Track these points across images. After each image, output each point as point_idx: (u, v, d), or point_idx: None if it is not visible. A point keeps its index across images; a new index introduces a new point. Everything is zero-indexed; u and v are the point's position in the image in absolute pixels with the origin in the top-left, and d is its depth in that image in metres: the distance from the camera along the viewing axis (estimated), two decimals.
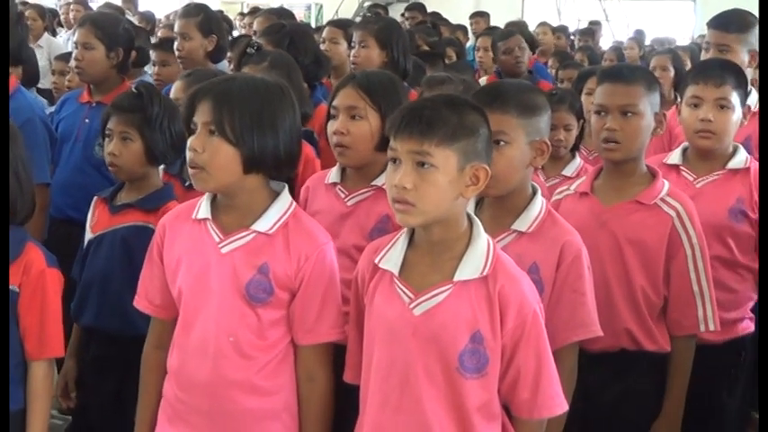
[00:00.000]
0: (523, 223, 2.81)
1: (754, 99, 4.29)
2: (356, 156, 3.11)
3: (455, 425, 2.46)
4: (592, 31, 10.74)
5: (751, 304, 3.63)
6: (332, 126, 3.14)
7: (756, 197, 3.54)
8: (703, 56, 4.33)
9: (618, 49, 9.77)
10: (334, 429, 2.78)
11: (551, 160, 4.28)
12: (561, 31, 10.74)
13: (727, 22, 4.44)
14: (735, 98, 3.58)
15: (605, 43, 12.20)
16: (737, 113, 3.59)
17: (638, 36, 11.40)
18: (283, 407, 2.71)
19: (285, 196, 2.73)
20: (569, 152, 4.29)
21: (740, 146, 3.67)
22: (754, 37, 4.32)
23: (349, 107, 3.11)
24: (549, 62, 8.25)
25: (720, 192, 3.55)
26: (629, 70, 3.29)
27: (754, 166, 3.61)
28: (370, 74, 3.27)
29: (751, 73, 4.34)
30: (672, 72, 5.98)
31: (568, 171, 4.18)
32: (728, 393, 3.51)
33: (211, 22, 5.07)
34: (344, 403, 2.71)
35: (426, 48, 7.09)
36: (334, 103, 3.16)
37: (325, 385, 2.73)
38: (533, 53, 6.89)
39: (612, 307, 3.06)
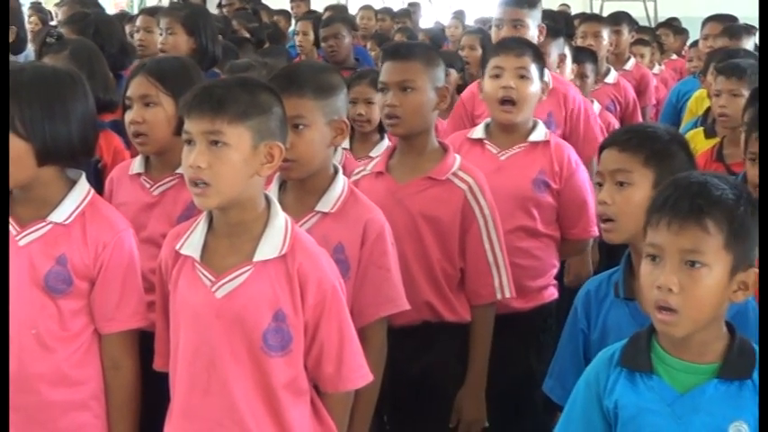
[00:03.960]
0: (326, 204, 2.86)
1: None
2: (155, 142, 3.11)
3: (263, 403, 2.50)
4: (408, 12, 10.87)
5: (554, 271, 3.76)
6: (128, 116, 3.14)
7: (557, 168, 3.66)
8: (494, 32, 4.47)
9: (433, 30, 9.91)
10: (145, 417, 2.78)
11: (360, 141, 4.37)
12: (385, 12, 10.85)
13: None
14: (534, 70, 3.69)
15: (428, 25, 12.33)
16: (536, 85, 3.70)
17: (460, 16, 11.58)
18: (91, 396, 2.70)
19: (82, 185, 2.72)
20: (378, 133, 4.33)
21: (540, 121, 3.79)
22: (539, 12, 4.53)
23: (142, 96, 3.12)
24: (369, 45, 8.33)
25: (523, 164, 3.65)
26: (406, 48, 3.39)
27: (554, 139, 3.75)
28: (160, 60, 3.28)
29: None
30: (480, 51, 6.14)
31: (376, 152, 4.14)
32: (537, 359, 3.60)
33: (10, 13, 4.95)
34: (156, 390, 2.70)
35: (246, 33, 7.07)
36: (128, 93, 3.16)
37: (131, 372, 2.73)
38: (356, 37, 6.94)
39: (412, 282, 3.11)
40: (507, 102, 3.64)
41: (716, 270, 2.10)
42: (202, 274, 2.50)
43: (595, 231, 3.77)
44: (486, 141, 3.72)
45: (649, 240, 2.15)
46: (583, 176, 3.75)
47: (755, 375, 2.13)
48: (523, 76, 3.66)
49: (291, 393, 2.52)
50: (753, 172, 3.22)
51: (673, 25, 10.03)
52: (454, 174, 3.23)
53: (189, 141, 2.44)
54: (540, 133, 3.72)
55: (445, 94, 3.28)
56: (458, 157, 3.28)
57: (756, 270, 2.15)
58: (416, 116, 3.22)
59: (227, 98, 2.42)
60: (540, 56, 3.80)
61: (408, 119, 3.21)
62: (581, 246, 3.92)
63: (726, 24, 6.50)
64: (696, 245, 2.09)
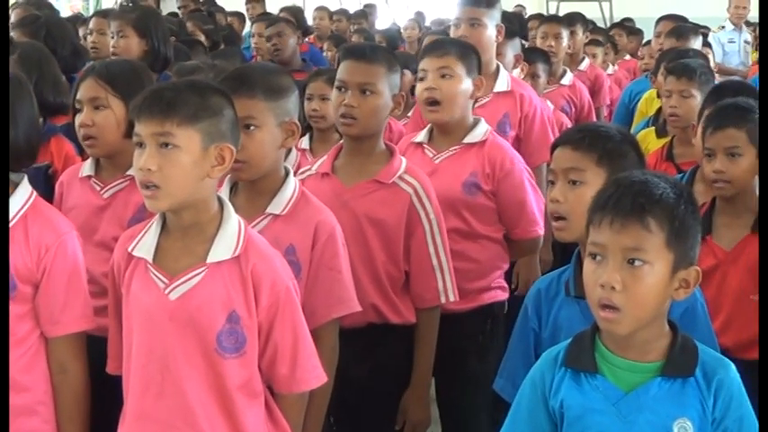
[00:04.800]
0: (278, 206, 2.86)
1: (504, 80, 4.47)
2: (104, 145, 3.11)
3: (217, 405, 2.50)
4: (365, 13, 10.90)
5: (498, 273, 3.73)
6: (78, 119, 3.13)
7: (488, 170, 3.63)
8: (453, 31, 4.46)
9: (389, 31, 9.93)
10: (99, 421, 2.77)
11: (319, 141, 4.38)
12: (341, 14, 10.87)
13: None
14: (460, 68, 3.65)
15: (384, 26, 12.37)
16: (464, 84, 3.65)
17: (418, 17, 11.62)
18: (39, 401, 2.68)
19: (24, 187, 2.71)
20: (336, 132, 4.33)
21: (482, 119, 3.76)
22: (498, 12, 4.50)
23: (91, 98, 3.11)
24: (325, 46, 8.35)
25: (455, 166, 3.63)
26: (371, 49, 3.37)
27: (491, 139, 3.70)
28: (110, 63, 3.29)
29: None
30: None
31: None
32: (478, 359, 3.59)
33: None
34: (110, 394, 2.69)
35: (201, 35, 7.07)
36: (78, 96, 3.15)
37: (79, 376, 2.72)
38: (305, 38, 6.98)
39: (357, 284, 3.08)
40: (432, 102, 3.62)
41: (658, 268, 2.13)
42: (155, 275, 2.50)
43: (538, 231, 3.77)
44: (425, 145, 3.70)
45: (592, 239, 2.18)
46: (520, 176, 3.71)
47: (698, 372, 2.17)
48: (446, 75, 3.62)
49: (246, 395, 2.53)
50: (708, 167, 3.28)
51: (626, 26, 10.12)
52: (400, 177, 3.23)
53: (140, 144, 2.45)
54: (476, 134, 3.68)
55: (400, 102, 3.30)
56: (404, 161, 3.29)
57: (697, 268, 2.19)
58: (373, 119, 3.22)
59: (177, 101, 2.43)
60: (469, 53, 3.75)
61: (364, 121, 3.20)
62: (528, 246, 3.88)
63: (676, 24, 6.55)
64: (638, 243, 2.12)
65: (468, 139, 3.68)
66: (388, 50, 3.56)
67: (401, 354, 3.27)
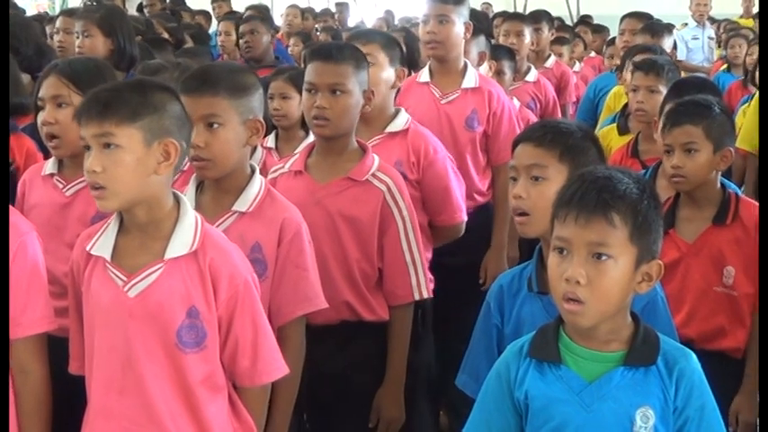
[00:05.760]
0: (243, 203, 2.86)
1: (472, 76, 4.47)
2: (68, 144, 3.08)
3: (180, 400, 2.50)
4: (331, 12, 10.93)
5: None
6: (40, 117, 3.12)
7: (413, 158, 3.66)
8: (421, 28, 4.48)
9: (356, 28, 9.96)
10: (63, 422, 2.74)
11: (284, 140, 4.37)
12: (309, 12, 10.89)
13: None
14: (382, 56, 3.74)
15: (353, 24, 12.39)
16: (386, 72, 3.73)
17: (388, 16, 11.67)
18: None
19: None
20: (301, 129, 4.33)
21: (402, 109, 3.79)
22: (466, 9, 4.51)
23: (54, 96, 3.10)
24: (291, 41, 8.35)
25: (380, 157, 3.54)
26: (337, 49, 3.35)
27: (413, 128, 3.73)
28: (72, 61, 3.27)
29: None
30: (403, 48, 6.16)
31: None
32: (413, 349, 3.51)
33: None
34: (72, 395, 2.68)
35: (166, 33, 7.04)
36: (40, 94, 3.14)
37: (40, 377, 2.67)
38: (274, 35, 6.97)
39: (330, 281, 3.11)
40: None
41: (621, 262, 2.15)
42: (114, 273, 2.50)
43: (462, 217, 3.83)
44: None
45: (557, 234, 2.19)
46: (443, 164, 3.75)
47: (660, 362, 2.19)
48: (369, 63, 3.60)
49: (208, 389, 2.53)
50: (667, 163, 3.36)
51: (590, 23, 10.18)
52: (373, 175, 3.24)
53: (87, 147, 2.45)
54: (398, 123, 3.72)
55: (370, 97, 3.31)
56: (376, 158, 3.29)
57: (659, 262, 2.21)
58: (345, 119, 3.23)
59: (114, 101, 2.44)
60: (393, 45, 3.81)
61: (337, 121, 3.21)
62: (452, 231, 3.89)
63: (646, 22, 6.56)
64: (602, 238, 2.13)
65: (390, 129, 3.71)
66: (354, 48, 3.55)
67: (374, 351, 3.28)
